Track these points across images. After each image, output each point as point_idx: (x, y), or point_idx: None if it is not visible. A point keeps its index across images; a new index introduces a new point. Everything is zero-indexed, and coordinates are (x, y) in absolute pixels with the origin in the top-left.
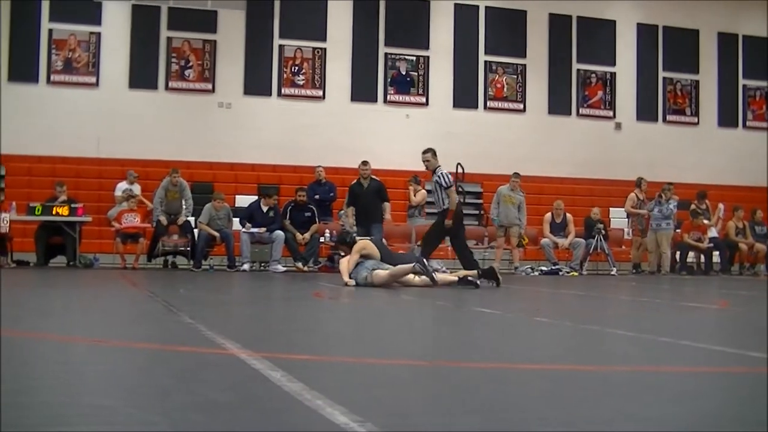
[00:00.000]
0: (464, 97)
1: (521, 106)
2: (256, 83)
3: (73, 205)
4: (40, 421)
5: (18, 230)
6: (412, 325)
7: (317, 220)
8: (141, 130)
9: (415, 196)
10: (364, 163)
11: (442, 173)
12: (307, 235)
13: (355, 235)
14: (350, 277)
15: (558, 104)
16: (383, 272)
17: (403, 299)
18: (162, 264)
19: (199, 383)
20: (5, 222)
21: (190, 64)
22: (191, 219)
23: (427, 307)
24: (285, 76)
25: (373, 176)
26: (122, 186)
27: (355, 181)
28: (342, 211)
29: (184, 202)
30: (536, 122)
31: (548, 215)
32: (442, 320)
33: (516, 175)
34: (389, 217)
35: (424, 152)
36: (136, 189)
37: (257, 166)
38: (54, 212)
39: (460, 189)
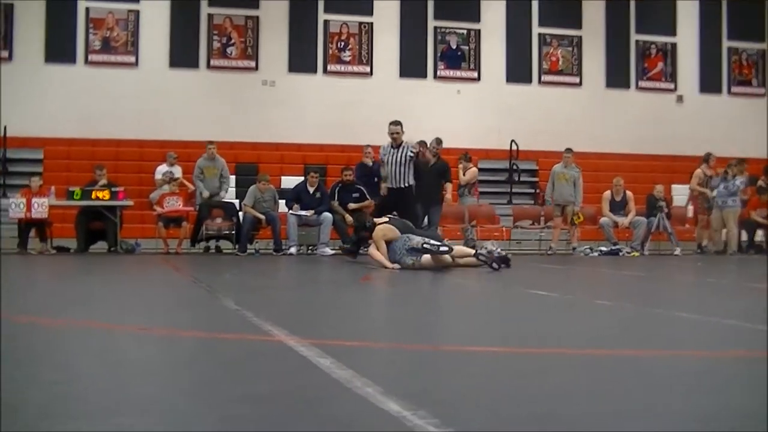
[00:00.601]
0: (517, 71)
1: (577, 79)
2: (300, 60)
3: (113, 189)
4: (86, 410)
5: (57, 216)
6: (464, 309)
7: (368, 199)
8: (182, 110)
9: (464, 174)
10: (439, 141)
11: (411, 147)
12: (353, 205)
13: (371, 222)
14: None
15: (616, 77)
16: (465, 249)
17: (451, 282)
18: (205, 249)
19: (245, 372)
20: (44, 207)
21: (232, 41)
22: (235, 201)
23: (477, 289)
24: (330, 52)
25: (441, 157)
26: (162, 169)
27: (419, 158)
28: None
29: (221, 180)
30: (593, 96)
31: (607, 193)
32: (495, 303)
33: (568, 150)
34: (450, 197)
35: (395, 124)
36: (177, 171)
37: (303, 146)
38: (94, 197)
39: (515, 167)
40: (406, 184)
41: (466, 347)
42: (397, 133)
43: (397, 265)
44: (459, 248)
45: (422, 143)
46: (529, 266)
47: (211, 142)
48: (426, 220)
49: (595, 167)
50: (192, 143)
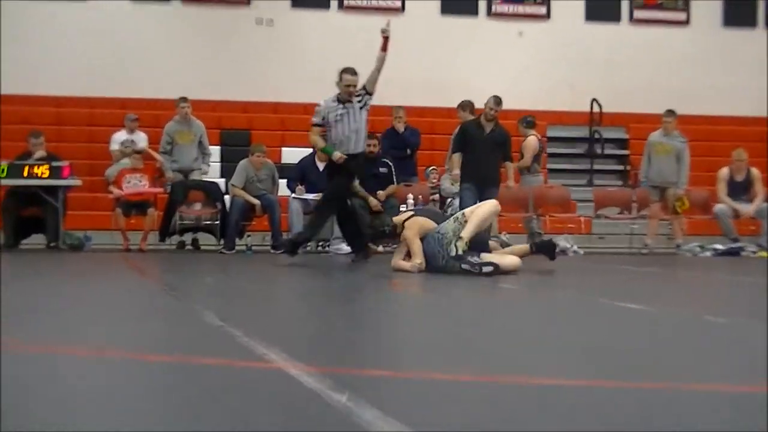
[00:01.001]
0: (601, 5)
1: (683, 16)
2: None
3: (54, 164)
4: None
5: None
6: (527, 326)
7: (395, 179)
8: (147, 57)
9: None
10: (497, 101)
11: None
12: (382, 195)
13: (390, 225)
14: (419, 264)
15: (737, 13)
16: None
17: (508, 290)
18: (179, 244)
19: (231, 410)
20: None
21: None
22: (220, 181)
23: (543, 300)
24: None
25: (500, 124)
26: (120, 136)
27: (472, 119)
28: (430, 168)
29: (200, 152)
30: (706, 39)
31: (724, 171)
32: (568, 319)
33: (670, 113)
34: (512, 184)
35: (351, 73)
36: (141, 140)
37: (311, 107)
38: (27, 173)
39: (597, 136)
40: (359, 150)
41: (533, 378)
42: (355, 85)
43: (419, 262)
44: (508, 260)
45: (465, 104)
46: (616, 269)
47: (184, 99)
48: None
49: (708, 135)
50: (161, 102)
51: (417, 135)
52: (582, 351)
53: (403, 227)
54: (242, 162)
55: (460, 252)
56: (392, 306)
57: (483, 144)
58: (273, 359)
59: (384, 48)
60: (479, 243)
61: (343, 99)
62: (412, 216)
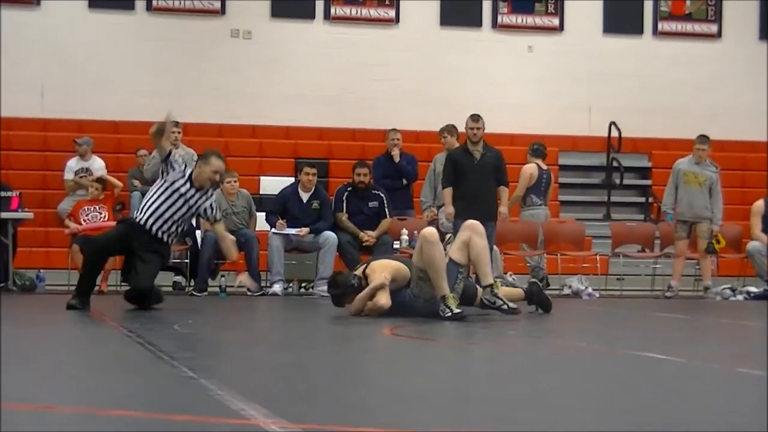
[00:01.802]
0: (621, 16)
1: (714, 28)
2: (289, 1)
3: (2, 194)
4: None
5: None
6: (534, 380)
7: (388, 212)
8: (110, 75)
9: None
10: (475, 118)
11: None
12: (373, 235)
13: (356, 277)
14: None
15: None
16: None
17: (508, 336)
18: None
19: None
20: None
21: None
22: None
23: (548, 349)
24: None
25: (488, 144)
26: (75, 164)
27: (459, 147)
28: (425, 201)
29: None
30: (740, 53)
31: (759, 204)
32: (586, 370)
33: (702, 139)
34: (506, 211)
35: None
36: (97, 166)
37: (293, 130)
38: None
39: (615, 163)
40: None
41: None
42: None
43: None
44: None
45: (450, 129)
46: (637, 315)
47: (175, 123)
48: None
49: (741, 163)
50: (125, 124)
51: (415, 163)
52: (604, 406)
53: (365, 274)
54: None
55: (455, 311)
56: (391, 355)
57: (474, 173)
58: (252, 416)
59: None
60: (469, 288)
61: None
62: (369, 263)
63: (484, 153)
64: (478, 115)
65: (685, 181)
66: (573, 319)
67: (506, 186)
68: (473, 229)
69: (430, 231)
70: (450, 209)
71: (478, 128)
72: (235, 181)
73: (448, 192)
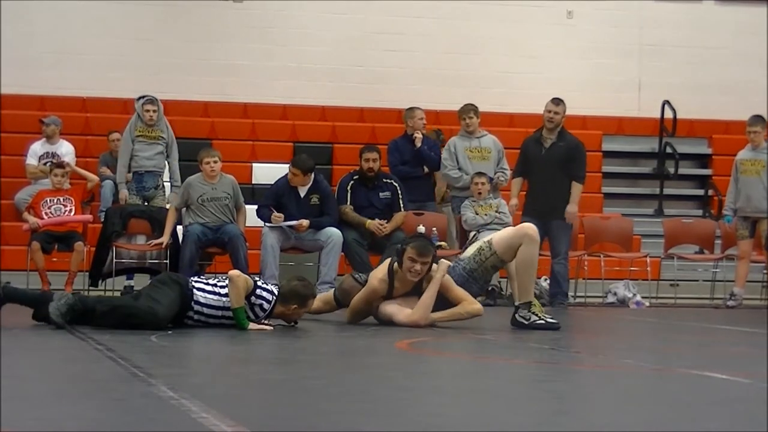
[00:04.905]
0: None
1: None
2: None
3: None
4: None
5: None
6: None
7: (402, 205)
8: (76, 44)
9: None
10: (556, 101)
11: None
12: (388, 227)
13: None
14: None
15: None
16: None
17: (544, 351)
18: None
19: None
20: None
21: None
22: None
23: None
24: None
25: (566, 132)
26: (39, 147)
27: (534, 133)
28: (462, 201)
29: (168, 164)
30: None
31: None
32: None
33: (755, 119)
34: (574, 210)
35: None
36: (65, 151)
37: (291, 109)
38: None
39: (668, 150)
40: None
41: None
42: None
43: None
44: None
45: (472, 109)
46: (693, 327)
47: (152, 99)
48: None
49: None
50: (98, 101)
51: (437, 149)
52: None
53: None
54: (191, 178)
55: (549, 320)
56: (401, 372)
57: (541, 164)
58: None
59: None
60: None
61: None
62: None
63: (555, 142)
64: (560, 99)
65: (742, 170)
66: (618, 333)
67: (579, 181)
68: (527, 234)
69: (534, 228)
70: (514, 201)
71: (556, 113)
72: (215, 162)
73: (517, 182)
